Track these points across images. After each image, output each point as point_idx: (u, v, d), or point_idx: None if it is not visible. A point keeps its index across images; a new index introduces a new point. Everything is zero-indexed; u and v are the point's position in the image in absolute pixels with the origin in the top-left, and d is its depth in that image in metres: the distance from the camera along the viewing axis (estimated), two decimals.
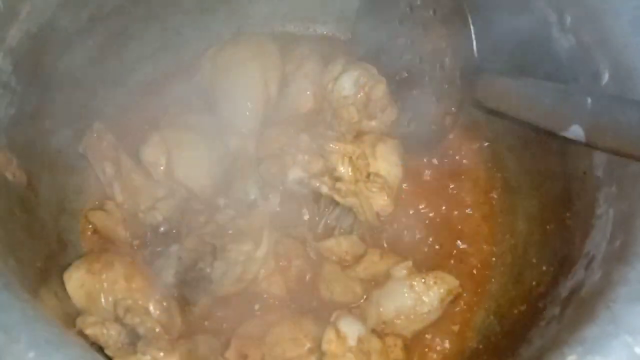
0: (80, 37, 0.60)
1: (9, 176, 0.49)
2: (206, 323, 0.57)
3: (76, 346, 0.37)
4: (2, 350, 0.34)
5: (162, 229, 0.61)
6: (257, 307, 0.58)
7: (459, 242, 0.63)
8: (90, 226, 0.61)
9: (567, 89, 0.48)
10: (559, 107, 0.47)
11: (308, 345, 0.53)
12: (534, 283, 0.56)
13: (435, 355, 0.57)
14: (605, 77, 0.49)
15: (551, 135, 0.48)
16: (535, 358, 0.37)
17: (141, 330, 0.50)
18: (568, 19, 0.53)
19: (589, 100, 0.44)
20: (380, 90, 0.66)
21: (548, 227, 0.58)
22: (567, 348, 0.35)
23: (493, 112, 0.55)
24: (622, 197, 0.45)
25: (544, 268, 0.55)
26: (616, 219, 0.45)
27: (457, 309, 0.60)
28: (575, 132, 0.45)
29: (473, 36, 0.56)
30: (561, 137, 0.47)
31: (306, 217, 0.62)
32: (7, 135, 0.51)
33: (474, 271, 0.62)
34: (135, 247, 0.60)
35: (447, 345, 0.58)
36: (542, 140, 0.59)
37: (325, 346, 0.51)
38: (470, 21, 0.56)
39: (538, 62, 0.55)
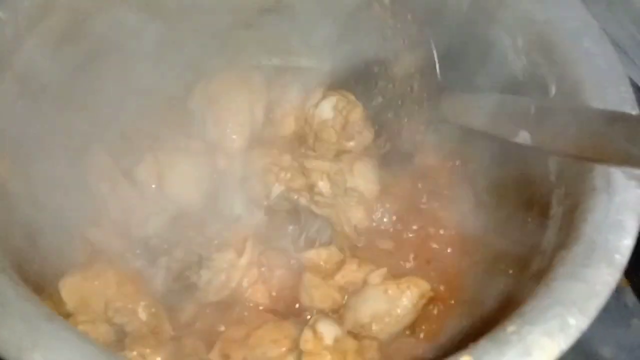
0: (82, 71, 0.66)
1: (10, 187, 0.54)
2: (192, 328, 0.60)
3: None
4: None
5: (152, 242, 0.65)
6: (241, 313, 0.61)
7: (433, 253, 0.67)
8: (85, 239, 0.65)
9: (514, 100, 0.53)
10: (508, 117, 0.52)
11: (287, 345, 0.56)
12: (502, 286, 0.59)
13: (410, 357, 0.60)
14: (553, 90, 0.54)
15: (506, 142, 0.53)
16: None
17: (129, 329, 0.53)
18: (520, 42, 0.59)
19: (533, 108, 0.49)
20: (357, 113, 0.71)
21: (513, 235, 0.61)
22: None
23: (458, 127, 0.61)
24: (568, 195, 0.49)
25: (510, 272, 0.59)
26: (564, 215, 0.49)
27: (432, 314, 0.63)
28: (524, 137, 0.50)
29: (437, 61, 0.63)
30: (513, 143, 0.52)
31: (288, 230, 0.66)
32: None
33: (448, 279, 0.65)
34: (127, 259, 0.64)
35: (421, 348, 0.61)
36: (508, 156, 0.64)
37: (303, 345, 0.54)
38: (434, 49, 0.63)
39: (496, 80, 0.61)
